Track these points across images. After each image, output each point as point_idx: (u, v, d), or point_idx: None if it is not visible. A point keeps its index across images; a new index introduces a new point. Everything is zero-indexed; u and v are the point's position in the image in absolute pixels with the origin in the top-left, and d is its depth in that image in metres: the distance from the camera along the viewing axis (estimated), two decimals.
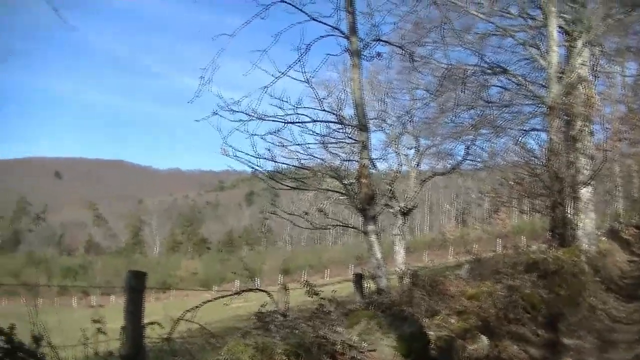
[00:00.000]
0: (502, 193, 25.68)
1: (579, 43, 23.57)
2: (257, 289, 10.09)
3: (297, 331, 8.57)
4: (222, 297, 9.25)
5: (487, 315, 11.42)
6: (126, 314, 6.40)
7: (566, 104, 22.07)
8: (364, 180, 13.92)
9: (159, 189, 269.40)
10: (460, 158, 29.78)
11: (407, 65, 24.34)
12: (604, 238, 33.20)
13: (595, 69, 26.36)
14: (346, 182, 14.94)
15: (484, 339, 10.47)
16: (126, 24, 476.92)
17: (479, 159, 29.25)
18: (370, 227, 13.92)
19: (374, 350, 8.76)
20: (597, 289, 18.46)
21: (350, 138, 15.37)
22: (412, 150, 31.45)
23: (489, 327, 11.07)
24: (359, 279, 13.12)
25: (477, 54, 25.42)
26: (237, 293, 9.96)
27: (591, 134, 24.34)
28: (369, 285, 13.38)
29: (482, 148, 28.52)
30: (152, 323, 6.62)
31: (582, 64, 24.16)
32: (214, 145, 14.24)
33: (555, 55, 22.69)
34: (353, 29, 14.94)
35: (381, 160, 29.04)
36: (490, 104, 26.86)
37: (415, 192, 30.58)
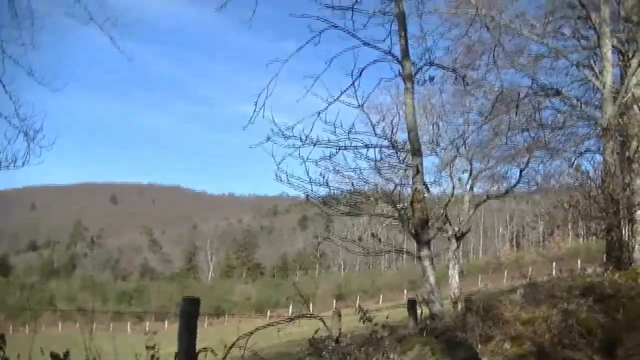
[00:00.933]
0: (557, 216, 25.36)
1: (634, 62, 23.21)
2: (309, 315, 10.08)
3: (349, 357, 8.56)
4: (275, 323, 9.26)
5: (542, 341, 11.26)
6: (180, 339, 6.46)
7: (621, 125, 21.74)
8: (417, 205, 13.87)
9: (213, 214, 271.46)
10: (514, 181, 29.48)
11: (459, 89, 24.24)
12: None
13: None
14: (399, 207, 14.90)
15: None
16: (179, 48, 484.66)
17: (533, 182, 28.91)
18: (424, 252, 13.85)
19: None
20: None
21: (403, 163, 15.34)
22: (466, 174, 31.24)
23: (544, 353, 10.90)
24: (412, 304, 13.06)
25: (529, 76, 25.27)
26: (290, 319, 9.96)
27: None
28: (422, 310, 13.30)
29: (536, 170, 28.23)
30: (205, 349, 6.67)
31: (638, 84, 23.79)
32: (269, 170, 14.40)
33: (610, 75, 22.40)
34: (405, 53, 14.98)
35: (435, 184, 28.88)
36: (543, 126, 26.59)
37: (469, 215, 30.30)
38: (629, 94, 22.51)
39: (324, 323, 9.68)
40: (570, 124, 26.80)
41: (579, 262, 41.21)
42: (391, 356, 8.84)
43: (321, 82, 14.75)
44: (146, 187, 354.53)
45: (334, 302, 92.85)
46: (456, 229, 29.00)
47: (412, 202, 14.08)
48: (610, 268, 19.42)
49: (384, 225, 22.65)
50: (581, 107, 24.85)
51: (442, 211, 27.44)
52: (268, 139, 14.06)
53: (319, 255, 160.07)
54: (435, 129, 29.46)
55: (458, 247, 30.13)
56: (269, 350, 14.05)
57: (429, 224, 14.72)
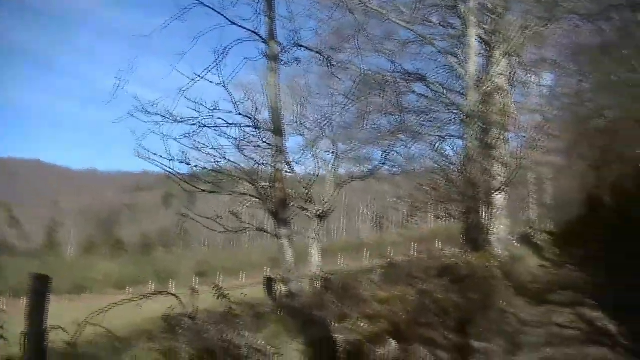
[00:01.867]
0: (418, 198, 25.93)
1: (497, 53, 23.99)
2: (165, 292, 9.93)
3: (205, 335, 8.47)
4: (129, 300, 9.06)
5: (398, 320, 11.47)
6: (27, 318, 6.20)
7: (483, 112, 22.41)
8: (277, 184, 13.91)
9: (75, 189, 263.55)
10: (377, 163, 29.91)
11: (327, 71, 24.38)
12: (516, 244, 33.85)
13: (512, 78, 26.85)
14: (259, 186, 14.88)
15: (393, 343, 10.50)
16: (43, 20, 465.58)
17: (396, 164, 29.41)
18: (283, 231, 13.91)
19: (281, 355, 8.70)
20: (507, 293, 18.74)
21: (265, 142, 15.32)
22: (330, 155, 31.49)
23: (400, 332, 11.11)
24: (269, 282, 13.11)
25: (393, 61, 25.67)
26: (145, 296, 9.77)
27: (506, 142, 24.77)
28: (280, 288, 13.34)
29: (400, 153, 28.70)
30: (55, 328, 6.42)
31: (500, 74, 24.57)
32: (133, 147, 14.03)
33: (474, 64, 23.05)
34: (272, 34, 14.97)
35: (299, 164, 28.97)
36: (408, 111, 27.11)
37: (332, 195, 30.59)
38: (492, 83, 23.23)
39: (179, 300, 9.53)
40: (434, 110, 27.39)
41: (438, 244, 42.32)
42: (245, 334, 8.80)
43: (187, 60, 14.61)
44: (4, 160, 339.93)
45: (196, 279, 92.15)
46: (319, 208, 29.22)
47: (272, 181, 14.12)
48: (468, 250, 20.06)
49: (247, 204, 22.62)
50: (445, 93, 25.45)
51: (305, 191, 27.59)
52: (130, 114, 13.80)
53: (182, 233, 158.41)
54: (301, 110, 29.58)
55: (320, 226, 30.36)
56: (128, 328, 13.75)
57: (288, 203, 14.77)
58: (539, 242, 40.31)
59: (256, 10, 15.08)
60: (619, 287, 20.39)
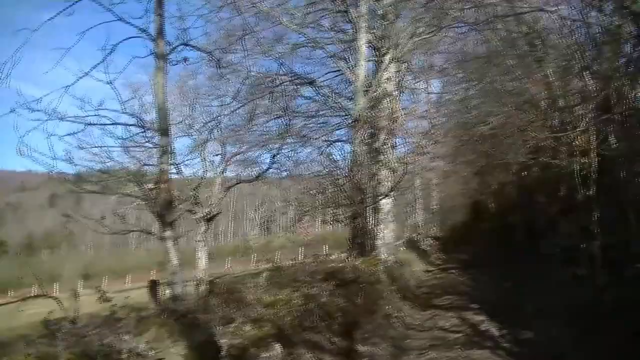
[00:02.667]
0: (306, 202, 25.92)
1: (386, 59, 24.19)
2: (45, 295, 9.56)
3: (85, 339, 8.18)
4: (8, 303, 8.70)
5: (283, 324, 11.40)
6: None
7: (371, 117, 22.57)
8: (163, 186, 13.61)
9: None
10: (265, 166, 29.79)
11: (217, 72, 24.09)
12: (403, 248, 34.38)
13: (400, 84, 27.18)
14: (145, 187, 14.58)
15: (278, 347, 10.42)
16: None
17: (284, 168, 29.35)
18: (168, 233, 13.61)
19: (163, 358, 8.49)
20: (393, 297, 18.91)
21: (151, 142, 15.01)
22: (218, 157, 31.18)
23: (284, 335, 11.04)
24: (153, 285, 12.82)
25: (282, 64, 25.67)
26: (23, 300, 9.38)
27: (394, 147, 25.02)
28: (164, 292, 13.08)
29: (288, 157, 28.65)
30: None
31: (389, 79, 24.80)
32: (15, 144, 13.52)
33: (363, 69, 23.20)
34: (160, 32, 14.65)
35: (187, 166, 28.56)
36: (297, 114, 27.13)
37: (220, 198, 30.26)
38: (380, 88, 23.44)
39: (61, 304, 9.18)
40: (323, 114, 27.50)
41: (325, 248, 42.61)
42: (126, 337, 8.55)
43: (74, 56, 14.19)
44: None
45: (81, 282, 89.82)
46: (206, 211, 28.88)
47: (157, 183, 13.83)
48: (354, 254, 20.16)
49: (133, 205, 22.09)
50: (334, 97, 25.57)
51: (192, 193, 27.25)
52: (12, 110, 13.26)
53: (68, 234, 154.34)
54: (190, 111, 29.19)
55: (208, 229, 30.01)
56: (5, 333, 13.19)
57: (174, 205, 14.47)
58: (425, 247, 41.09)
59: (145, 8, 14.80)
60: (501, 291, 20.93)
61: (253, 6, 23.15)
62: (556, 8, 17.10)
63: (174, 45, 15.36)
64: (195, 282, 15.31)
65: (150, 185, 14.67)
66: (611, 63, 15.25)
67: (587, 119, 16.28)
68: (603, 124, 15.32)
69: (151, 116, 15.72)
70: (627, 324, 11.90)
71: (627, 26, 13.71)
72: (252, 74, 25.01)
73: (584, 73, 15.95)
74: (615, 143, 15.25)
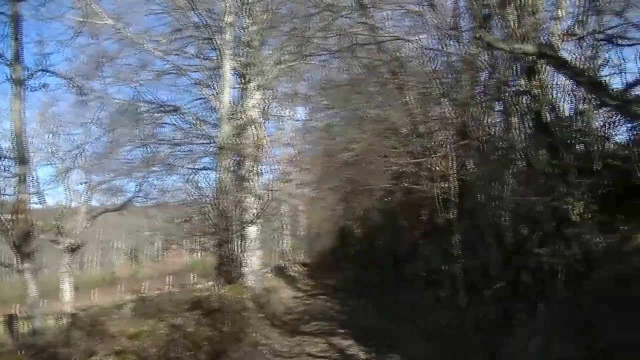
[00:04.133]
0: (173, 231, 25.56)
1: (252, 86, 24.23)
2: None
3: None
4: None
5: (147, 355, 11.16)
6: None
7: (236, 145, 22.52)
8: (20, 215, 13.10)
9: None
10: (131, 194, 29.21)
11: (80, 99, 23.51)
12: (270, 275, 34.34)
13: (266, 111, 27.26)
14: (1, 217, 13.97)
15: None
16: None
17: (150, 196, 28.84)
18: (26, 265, 13.10)
19: None
20: (261, 325, 18.87)
21: (7, 171, 14.45)
22: (83, 186, 30.32)
23: None
24: (10, 320, 12.32)
25: (148, 91, 25.33)
26: None
27: (259, 174, 25.05)
28: (22, 326, 12.59)
29: (154, 185, 28.17)
30: None
31: (254, 107, 24.84)
32: None
33: (228, 96, 23.13)
34: (17, 57, 14.21)
35: (49, 195, 27.70)
36: (162, 142, 26.75)
37: (85, 228, 29.44)
38: (245, 116, 23.43)
39: None
40: (188, 141, 27.21)
41: (193, 277, 42.10)
42: None
43: None
44: None
45: None
46: (70, 241, 28.01)
47: (15, 212, 13.30)
48: (221, 283, 20.02)
49: None
50: (199, 125, 25.38)
51: (55, 222, 26.39)
52: None
53: None
54: (53, 139, 28.33)
55: (72, 260, 29.13)
56: None
57: (34, 235, 13.96)
58: (293, 273, 41.19)
59: (2, 32, 14.31)
60: (368, 315, 21.20)
61: (118, 32, 22.79)
62: (417, 37, 17.61)
63: (32, 71, 14.90)
64: (56, 315, 14.78)
65: (7, 215, 14.05)
66: (468, 91, 15.82)
67: (446, 145, 16.81)
68: (461, 149, 15.83)
69: (8, 144, 15.13)
70: (486, 342, 12.30)
71: (483, 55, 14.25)
72: (116, 101, 24.54)
73: (443, 100, 16.47)
74: (473, 168, 15.78)
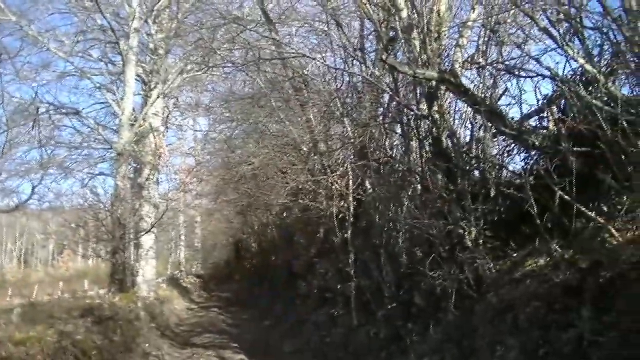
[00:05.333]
0: (67, 235, 25.01)
1: (154, 93, 24.00)
2: None
3: None
4: None
5: None
6: None
7: (135, 152, 22.27)
8: None
9: None
10: (25, 196, 28.37)
11: None
12: (164, 285, 33.95)
13: (167, 120, 27.05)
14: None
15: None
16: None
17: (45, 199, 28.09)
18: None
19: None
20: (152, 335, 18.70)
21: None
22: None
23: None
24: None
25: (48, 92, 24.78)
26: None
27: (157, 183, 24.81)
28: None
29: (49, 188, 27.43)
30: None
31: (155, 114, 24.64)
32: None
33: (130, 102, 22.88)
34: None
35: None
36: (60, 144, 26.12)
37: None
38: (146, 123, 23.19)
39: None
40: (87, 145, 26.67)
41: (86, 284, 41.21)
42: None
43: None
44: None
45: None
46: None
47: None
48: (113, 291, 19.73)
49: None
50: (99, 129, 24.92)
51: None
52: None
53: None
54: None
55: None
56: None
57: None
58: (187, 285, 40.88)
59: None
60: (261, 330, 21.23)
61: (20, 29, 22.22)
62: (321, 56, 17.77)
63: None
64: None
65: None
66: (369, 112, 16.03)
67: (345, 164, 16.98)
68: (360, 169, 16.02)
69: None
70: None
71: (386, 78, 14.47)
72: (15, 99, 23.84)
73: (344, 119, 16.64)
74: (371, 188, 15.97)
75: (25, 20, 22.65)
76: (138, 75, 24.46)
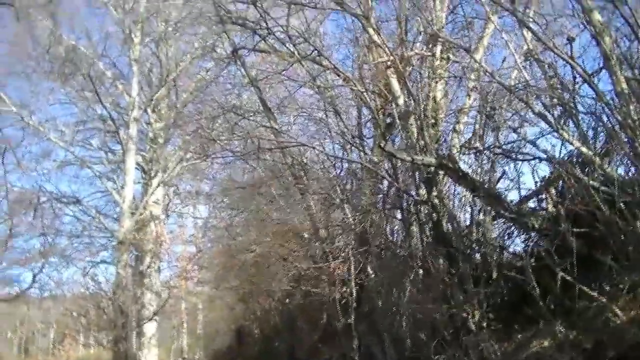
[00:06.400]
0: (68, 324, 24.88)
1: (155, 182, 24.18)
2: None
3: None
4: None
5: None
6: None
7: (136, 240, 22.33)
8: None
9: None
10: (26, 285, 28.29)
11: None
12: None
13: (167, 208, 27.15)
14: None
15: None
16: None
17: (46, 288, 27.99)
18: None
19: None
20: None
21: None
22: None
23: None
24: None
25: (48, 181, 24.98)
26: None
27: (159, 270, 24.79)
28: None
29: (50, 277, 27.35)
30: None
31: (156, 202, 24.77)
32: None
33: (131, 191, 23.06)
34: None
35: None
36: (61, 233, 26.16)
37: None
38: (147, 211, 23.31)
39: None
40: (88, 234, 26.69)
41: None
42: None
43: None
44: None
45: None
46: None
47: None
48: None
49: None
50: (100, 218, 25.01)
51: None
52: None
53: None
54: None
55: None
56: None
57: None
58: None
59: None
60: None
61: (22, 119, 22.59)
62: (320, 143, 17.98)
63: None
64: None
65: None
66: (369, 198, 16.16)
67: (347, 250, 17.00)
68: (361, 255, 16.04)
69: None
70: None
71: (384, 164, 14.66)
72: (15, 189, 24.04)
73: (345, 206, 16.74)
74: (373, 273, 15.97)
75: (26, 111, 23.05)
76: (138, 164, 24.70)
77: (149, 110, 24.77)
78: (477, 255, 11.64)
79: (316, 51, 13.68)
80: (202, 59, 24.07)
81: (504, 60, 13.57)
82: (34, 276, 27.66)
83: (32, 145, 24.64)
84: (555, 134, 8.98)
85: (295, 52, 13.74)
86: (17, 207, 24.25)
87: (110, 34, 24.75)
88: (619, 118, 7.97)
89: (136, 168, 24.58)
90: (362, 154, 16.34)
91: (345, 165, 17.26)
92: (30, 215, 24.69)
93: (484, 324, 10.11)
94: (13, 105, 22.43)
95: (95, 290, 22.79)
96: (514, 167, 10.68)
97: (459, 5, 14.35)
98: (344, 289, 16.82)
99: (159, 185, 24.33)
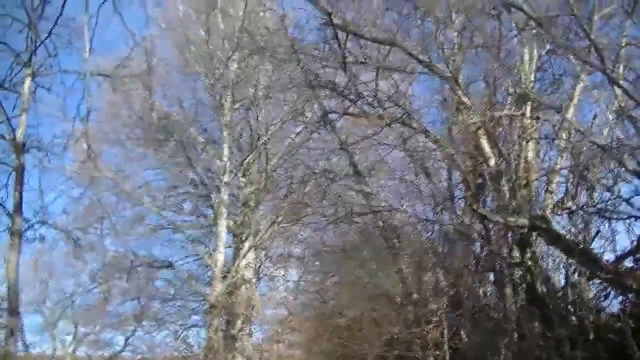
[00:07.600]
0: None
1: (246, 245, 24.33)
2: None
3: None
4: None
5: None
6: None
7: (228, 303, 22.43)
8: None
9: None
10: (119, 348, 28.75)
11: (73, 250, 23.58)
12: None
13: (259, 271, 27.26)
14: None
15: None
16: None
17: (138, 351, 28.38)
18: None
19: None
20: None
21: None
22: (70, 336, 29.87)
23: None
24: None
25: (141, 246, 25.47)
26: None
27: (250, 334, 24.78)
28: None
29: (143, 340, 27.74)
30: None
31: (247, 266, 24.88)
32: None
33: (222, 255, 23.21)
34: (18, 208, 14.29)
35: (33, 344, 27.22)
36: (153, 297, 26.55)
37: None
38: (238, 275, 23.44)
39: None
40: (180, 297, 27.00)
41: None
42: None
43: None
44: None
45: None
46: None
47: None
48: None
49: None
50: (191, 282, 25.29)
51: None
52: None
53: None
54: (43, 288, 28.20)
55: None
56: None
57: None
58: None
59: (6, 182, 14.49)
60: None
61: (116, 186, 23.18)
62: (411, 206, 17.91)
63: (31, 223, 14.99)
64: None
65: None
66: (461, 260, 15.94)
67: (439, 313, 16.75)
68: (454, 318, 15.79)
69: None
70: None
71: (476, 226, 14.48)
72: (110, 253, 24.59)
73: (437, 269, 16.56)
74: (466, 337, 15.68)
75: (120, 177, 23.67)
76: (229, 228, 24.90)
77: (239, 175, 25.05)
78: (573, 318, 11.31)
79: (406, 114, 13.69)
80: (292, 123, 24.29)
81: (594, 118, 13.40)
82: (127, 339, 28.16)
83: (126, 209, 25.27)
84: None
85: (385, 115, 13.78)
86: (112, 272, 24.75)
87: (202, 99, 25.41)
88: None
89: (227, 232, 24.79)
90: (453, 216, 16.17)
91: (437, 227, 17.08)
92: (124, 280, 25.17)
93: None
94: (108, 171, 23.05)
95: (187, 354, 22.94)
96: (609, 226, 10.42)
97: (548, 62, 14.24)
98: (437, 353, 16.53)
99: (250, 248, 24.42)
